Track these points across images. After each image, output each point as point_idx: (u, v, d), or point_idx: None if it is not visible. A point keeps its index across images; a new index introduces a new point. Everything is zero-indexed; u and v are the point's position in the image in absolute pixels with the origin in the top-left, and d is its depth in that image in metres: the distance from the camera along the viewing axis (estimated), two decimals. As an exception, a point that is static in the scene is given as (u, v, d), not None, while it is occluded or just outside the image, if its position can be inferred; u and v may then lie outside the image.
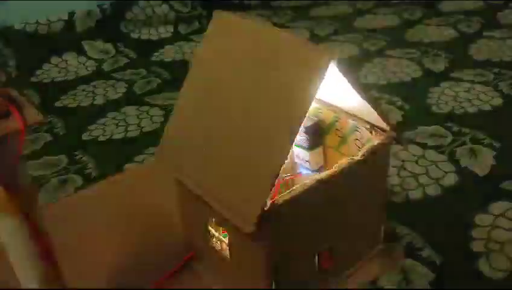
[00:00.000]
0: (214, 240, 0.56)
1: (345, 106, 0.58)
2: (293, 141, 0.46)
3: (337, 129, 0.60)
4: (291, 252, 0.52)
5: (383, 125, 0.56)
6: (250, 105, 0.49)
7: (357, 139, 0.58)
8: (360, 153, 0.53)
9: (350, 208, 0.56)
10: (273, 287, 0.52)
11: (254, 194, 0.46)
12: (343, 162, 0.52)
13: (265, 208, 0.46)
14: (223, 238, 0.55)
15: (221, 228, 0.55)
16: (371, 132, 0.56)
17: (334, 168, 0.52)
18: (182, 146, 0.55)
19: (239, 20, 0.54)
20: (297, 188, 0.49)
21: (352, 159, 0.53)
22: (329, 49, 0.46)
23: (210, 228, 0.56)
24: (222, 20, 0.55)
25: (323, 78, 0.45)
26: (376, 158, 0.54)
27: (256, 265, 0.51)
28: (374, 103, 0.53)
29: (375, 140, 0.55)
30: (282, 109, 0.47)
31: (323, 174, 0.51)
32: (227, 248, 0.54)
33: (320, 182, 0.50)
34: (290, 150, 0.46)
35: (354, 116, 0.58)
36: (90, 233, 0.69)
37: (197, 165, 0.52)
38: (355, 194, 0.56)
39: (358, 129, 0.58)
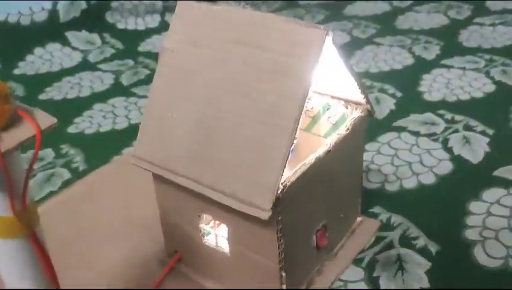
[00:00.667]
0: (206, 237, 0.55)
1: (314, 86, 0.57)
2: (299, 117, 0.44)
3: (307, 110, 0.60)
4: (295, 235, 0.52)
5: (357, 99, 0.56)
6: (243, 88, 0.48)
7: (331, 117, 0.58)
8: (345, 127, 0.54)
9: (337, 183, 0.56)
10: (283, 274, 0.51)
11: (264, 178, 0.45)
12: (332, 138, 0.53)
13: (279, 191, 0.45)
14: (220, 233, 0.54)
15: (213, 223, 0.54)
16: (346, 107, 0.56)
17: (326, 145, 0.51)
18: (163, 140, 0.52)
19: (208, 7, 0.52)
20: (299, 167, 0.49)
21: (340, 134, 0.53)
22: (322, 26, 0.44)
23: (201, 224, 0.54)
24: (188, 9, 0.53)
25: (321, 53, 0.44)
26: (356, 131, 0.55)
27: (266, 253, 0.50)
28: (355, 74, 0.52)
29: (353, 114, 0.55)
30: (282, 87, 0.45)
31: (320, 151, 0.51)
32: (226, 242, 0.53)
33: (318, 160, 0.50)
34: (298, 129, 0.45)
35: (325, 94, 0.58)
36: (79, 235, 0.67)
37: (185, 157, 0.50)
38: (341, 168, 0.56)
39: (331, 107, 0.58)
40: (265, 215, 0.45)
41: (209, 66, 0.50)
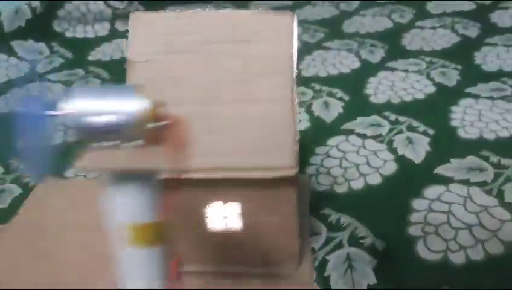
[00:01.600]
0: (214, 224, 0.56)
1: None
2: (293, 86, 0.49)
3: None
4: None
5: None
6: (234, 82, 0.50)
7: None
8: None
9: None
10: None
11: (278, 144, 0.48)
12: None
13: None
14: (231, 215, 0.55)
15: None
16: None
17: None
18: None
19: (164, 15, 0.53)
20: None
21: None
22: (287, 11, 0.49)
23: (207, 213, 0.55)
24: (145, 20, 0.53)
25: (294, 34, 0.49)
26: None
27: (288, 215, 0.53)
28: None
29: None
30: (271, 70, 0.50)
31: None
32: (239, 221, 0.55)
33: None
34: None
35: None
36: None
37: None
38: None
39: None
40: (291, 171, 0.49)
41: (194, 69, 0.51)
